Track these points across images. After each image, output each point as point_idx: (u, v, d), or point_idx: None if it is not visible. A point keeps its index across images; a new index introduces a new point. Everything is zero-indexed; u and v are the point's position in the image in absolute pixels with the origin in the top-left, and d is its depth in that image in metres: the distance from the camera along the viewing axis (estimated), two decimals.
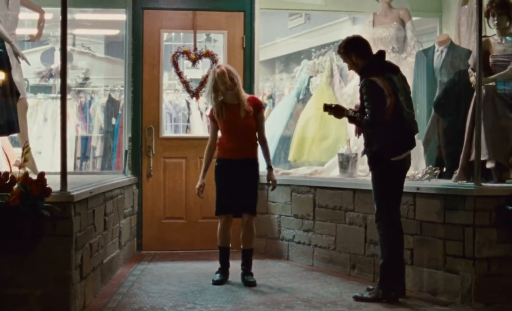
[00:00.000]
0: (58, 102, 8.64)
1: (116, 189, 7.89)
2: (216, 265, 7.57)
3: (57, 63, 12.10)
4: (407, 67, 8.72)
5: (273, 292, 7.05)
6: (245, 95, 7.50)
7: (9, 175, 5.65)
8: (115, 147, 11.54)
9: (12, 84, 7.34)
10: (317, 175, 9.18)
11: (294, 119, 10.03)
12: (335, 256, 8.09)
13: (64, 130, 6.05)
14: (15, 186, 5.55)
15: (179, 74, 9.64)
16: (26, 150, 5.98)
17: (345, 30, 10.30)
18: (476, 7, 6.87)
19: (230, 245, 7.54)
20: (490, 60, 7.37)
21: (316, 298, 6.77)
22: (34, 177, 5.69)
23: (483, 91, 6.94)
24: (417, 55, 8.88)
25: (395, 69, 6.67)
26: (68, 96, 11.18)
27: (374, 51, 6.87)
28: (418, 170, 7.90)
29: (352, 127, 6.99)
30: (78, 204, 5.96)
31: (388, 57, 8.07)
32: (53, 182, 5.77)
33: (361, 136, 6.77)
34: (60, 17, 6.12)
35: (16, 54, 7.80)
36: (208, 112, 8.01)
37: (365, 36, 8.07)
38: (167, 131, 10.84)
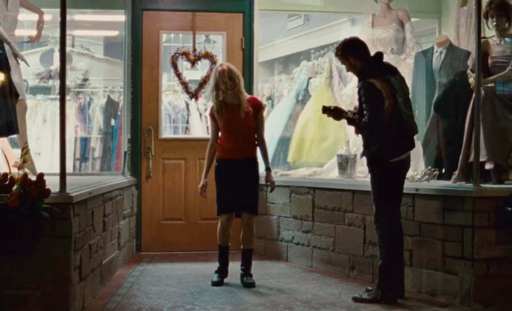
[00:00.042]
0: (57, 103, 8.65)
1: (115, 190, 7.89)
2: (215, 266, 7.57)
3: (56, 64, 12.09)
4: (406, 68, 8.72)
5: (272, 293, 7.06)
6: (246, 96, 7.50)
7: (8, 176, 5.65)
8: (114, 148, 11.54)
9: (11, 85, 7.33)
10: (316, 176, 9.18)
11: (293, 120, 10.03)
12: (334, 257, 8.10)
13: (63, 131, 6.05)
14: (14, 187, 5.55)
15: (178, 75, 9.64)
16: (25, 151, 5.98)
17: (344, 31, 10.31)
18: (475, 8, 6.88)
19: (229, 244, 7.54)
20: (489, 61, 7.37)
21: (315, 299, 6.77)
22: (33, 178, 5.69)
23: (482, 92, 6.95)
24: (416, 56, 8.88)
25: (393, 70, 6.67)
26: (67, 97, 11.16)
27: (373, 52, 6.87)
28: (417, 171, 7.91)
29: (351, 128, 6.99)
30: (77, 205, 5.96)
31: (387, 58, 8.09)
32: (52, 183, 5.77)
33: (360, 137, 6.78)
34: (59, 18, 6.12)
35: (15, 55, 7.80)
36: (208, 111, 7.99)
37: (364, 37, 8.09)
38: (166, 132, 10.86)
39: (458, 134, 7.52)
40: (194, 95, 9.73)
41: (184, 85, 9.65)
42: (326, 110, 6.73)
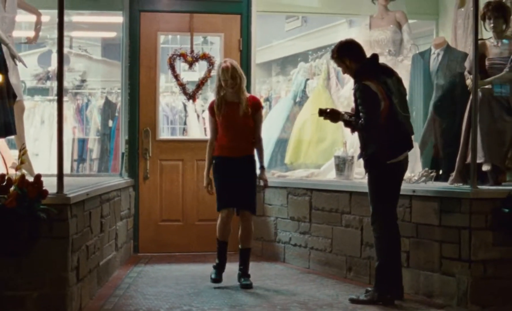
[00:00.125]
0: (55, 104, 8.62)
1: (113, 191, 7.89)
2: (212, 267, 7.57)
3: (54, 65, 12.08)
4: (404, 70, 8.71)
5: (270, 295, 7.06)
6: (246, 95, 7.51)
7: (6, 177, 5.65)
8: (111, 150, 11.53)
9: (9, 86, 7.34)
10: (313, 177, 9.18)
11: (290, 121, 10.03)
12: (331, 258, 8.10)
13: (60, 132, 6.05)
14: (12, 188, 5.55)
15: (176, 76, 9.65)
16: (22, 152, 5.99)
17: (342, 33, 10.31)
18: (472, 10, 6.90)
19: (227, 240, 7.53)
20: (487, 63, 7.38)
21: (312, 300, 6.78)
22: (30, 179, 5.69)
23: (480, 94, 6.96)
24: (414, 58, 8.88)
25: (390, 72, 6.68)
26: (65, 98, 11.12)
27: (371, 53, 6.87)
28: (415, 173, 7.92)
29: (348, 129, 7.00)
30: (75, 206, 5.96)
31: (385, 60, 8.10)
32: (50, 184, 5.77)
33: (357, 138, 6.78)
34: (57, 20, 6.12)
35: (13, 56, 7.79)
36: (207, 106, 7.95)
37: (362, 38, 8.12)
38: (164, 134, 10.86)
39: (455, 135, 7.53)
40: (192, 97, 9.73)
41: (182, 86, 9.66)
42: (323, 112, 6.73)
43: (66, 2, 6.10)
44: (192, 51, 9.64)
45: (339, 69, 7.03)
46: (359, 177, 8.56)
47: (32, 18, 8.61)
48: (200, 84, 9.65)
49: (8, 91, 7.29)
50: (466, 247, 6.35)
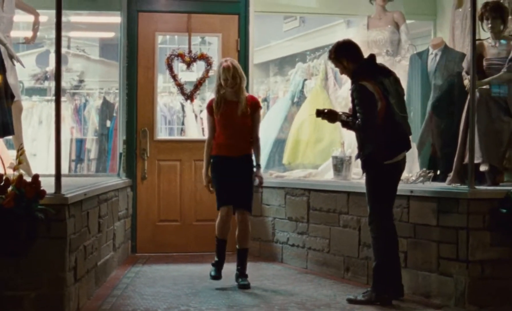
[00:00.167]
0: (53, 104, 8.62)
1: (111, 191, 7.89)
2: (210, 267, 7.55)
3: (52, 65, 12.08)
4: (401, 70, 8.71)
5: (267, 295, 7.06)
6: (246, 95, 7.51)
7: (4, 178, 5.64)
8: (109, 150, 11.55)
9: (7, 87, 7.33)
10: (311, 177, 9.18)
11: (288, 122, 10.03)
12: (329, 258, 8.10)
13: (58, 133, 6.05)
14: (10, 189, 5.55)
15: (174, 76, 9.64)
16: (20, 152, 5.99)
17: (340, 33, 10.31)
18: (470, 11, 6.90)
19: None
20: (484, 63, 7.38)
21: (310, 300, 6.78)
22: (28, 179, 5.69)
23: (477, 94, 6.96)
24: (411, 58, 8.89)
25: (387, 72, 6.68)
26: (63, 99, 11.17)
27: (369, 54, 6.87)
28: (412, 173, 7.92)
29: (346, 130, 7.00)
30: (73, 207, 5.96)
31: (382, 60, 8.09)
32: (48, 185, 5.77)
33: (355, 138, 6.78)
34: (55, 20, 6.12)
35: (11, 57, 7.79)
36: (206, 105, 7.93)
37: (359, 39, 8.12)
38: (162, 134, 10.86)
39: (453, 136, 7.53)
40: (190, 97, 9.73)
41: (180, 86, 9.65)
42: (320, 113, 6.74)
43: (64, 2, 6.09)
44: (190, 51, 9.63)
45: (337, 69, 7.02)
46: (356, 177, 8.56)
47: (30, 18, 8.61)
48: (198, 85, 9.65)
49: (6, 91, 7.29)
50: (463, 248, 6.36)
